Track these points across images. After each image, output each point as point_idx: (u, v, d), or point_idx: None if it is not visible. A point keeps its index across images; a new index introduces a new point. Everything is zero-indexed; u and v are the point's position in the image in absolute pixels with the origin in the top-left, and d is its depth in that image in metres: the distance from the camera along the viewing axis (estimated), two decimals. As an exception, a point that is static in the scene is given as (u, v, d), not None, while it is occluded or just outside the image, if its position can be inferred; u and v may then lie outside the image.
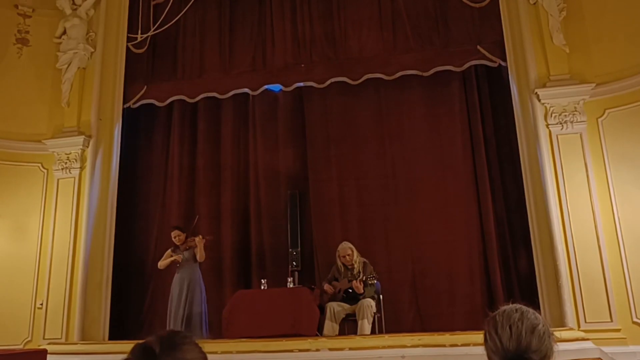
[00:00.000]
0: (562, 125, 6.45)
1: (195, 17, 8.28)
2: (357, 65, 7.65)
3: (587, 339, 5.27)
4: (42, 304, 7.15)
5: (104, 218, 7.51)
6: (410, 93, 7.90)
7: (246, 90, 8.01)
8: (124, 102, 8.01)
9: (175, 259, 6.86)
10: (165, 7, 8.07)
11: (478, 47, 7.25)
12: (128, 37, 8.15)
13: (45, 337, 6.95)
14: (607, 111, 6.48)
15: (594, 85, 6.45)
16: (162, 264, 6.98)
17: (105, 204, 7.56)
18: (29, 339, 7.13)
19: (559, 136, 6.44)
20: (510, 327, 1.52)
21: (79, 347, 6.55)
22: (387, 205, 7.67)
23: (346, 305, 6.43)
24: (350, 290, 6.39)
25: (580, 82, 6.51)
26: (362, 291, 6.32)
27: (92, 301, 7.18)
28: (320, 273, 7.41)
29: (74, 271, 7.19)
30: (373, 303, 6.32)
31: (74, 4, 8.04)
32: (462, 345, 5.20)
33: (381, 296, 6.56)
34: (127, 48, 8.13)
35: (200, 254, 6.83)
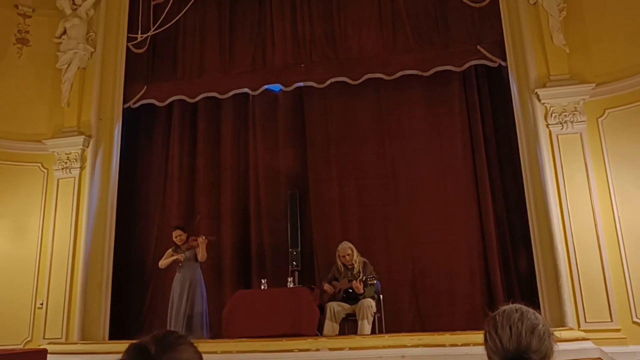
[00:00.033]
0: (562, 125, 6.45)
1: (195, 17, 8.28)
2: (357, 65, 7.65)
3: (587, 339, 5.27)
4: (42, 304, 7.15)
5: (104, 218, 7.51)
6: (410, 93, 7.90)
7: (246, 90, 8.01)
8: (124, 102, 8.02)
9: (177, 258, 6.86)
10: (165, 7, 8.07)
11: (478, 47, 7.25)
12: (128, 37, 8.15)
13: (46, 337, 6.95)
14: (607, 111, 6.48)
15: (594, 85, 6.45)
16: (163, 263, 6.98)
17: (105, 204, 7.56)
18: (29, 338, 7.14)
19: (559, 136, 6.44)
20: (510, 327, 1.53)
21: (79, 347, 6.56)
22: (387, 205, 7.67)
23: (346, 305, 6.43)
24: (351, 290, 6.39)
25: (580, 82, 6.51)
26: (362, 291, 6.32)
27: (92, 301, 7.19)
28: (320, 273, 7.42)
29: (74, 271, 7.19)
30: (373, 303, 6.32)
31: (74, 4, 8.05)
32: (462, 345, 5.19)
33: (381, 296, 6.55)
34: (127, 48, 8.13)
35: (202, 254, 6.84)
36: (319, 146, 8.06)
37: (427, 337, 5.57)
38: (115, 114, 7.90)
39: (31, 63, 8.02)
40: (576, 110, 6.45)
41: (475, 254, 7.28)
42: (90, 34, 8.05)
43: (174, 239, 6.97)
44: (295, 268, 7.40)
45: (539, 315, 1.58)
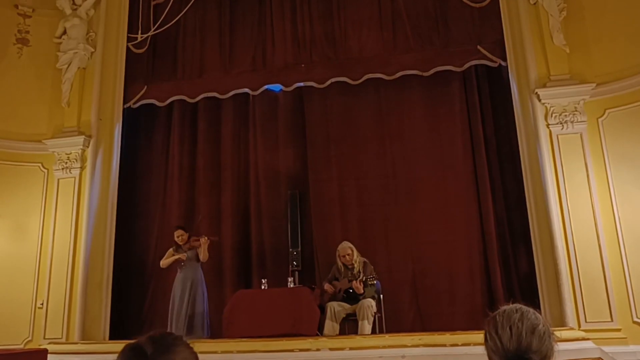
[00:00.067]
0: (563, 125, 6.45)
1: (195, 17, 8.28)
2: (357, 65, 7.65)
3: (588, 339, 5.27)
4: (42, 304, 7.16)
5: (105, 218, 7.51)
6: (410, 93, 7.90)
7: (246, 90, 8.01)
8: (124, 102, 8.02)
9: (179, 258, 6.87)
10: (166, 7, 8.07)
11: (478, 47, 7.25)
12: (128, 37, 8.15)
13: (46, 337, 6.96)
14: (607, 111, 6.48)
15: (594, 85, 6.45)
16: (164, 262, 6.98)
17: (105, 204, 7.56)
18: (30, 338, 7.14)
19: (559, 136, 6.44)
20: (510, 328, 1.53)
21: (80, 346, 6.56)
22: (387, 205, 7.67)
23: (346, 305, 6.43)
24: (351, 290, 6.39)
25: (581, 82, 6.51)
26: (362, 291, 6.32)
27: (92, 301, 7.19)
28: (320, 273, 7.42)
29: (74, 271, 7.19)
30: (373, 303, 6.32)
31: (74, 4, 8.05)
32: (463, 344, 5.19)
33: (381, 296, 6.55)
34: (127, 48, 8.13)
35: (203, 255, 6.85)
36: (319, 146, 8.06)
37: (427, 337, 5.57)
38: (115, 114, 7.90)
39: (31, 63, 8.02)
40: (576, 110, 6.45)
41: (476, 253, 7.28)
42: (91, 34, 8.05)
43: (176, 238, 6.98)
44: (296, 268, 7.40)
45: (539, 315, 1.58)
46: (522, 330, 1.52)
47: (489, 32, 7.27)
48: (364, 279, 6.35)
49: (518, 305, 1.60)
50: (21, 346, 7.01)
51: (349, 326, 6.50)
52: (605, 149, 6.37)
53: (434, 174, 7.63)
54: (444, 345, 5.35)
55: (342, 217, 7.77)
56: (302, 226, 7.73)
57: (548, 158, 6.42)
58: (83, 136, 7.59)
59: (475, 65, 7.54)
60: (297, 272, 7.34)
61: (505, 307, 1.61)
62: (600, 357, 5.03)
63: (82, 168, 7.55)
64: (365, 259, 6.60)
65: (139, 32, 8.10)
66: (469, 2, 7.31)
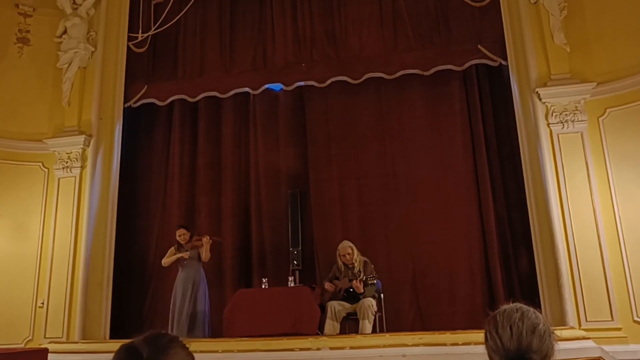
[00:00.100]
0: (563, 125, 6.45)
1: (195, 16, 8.28)
2: (358, 64, 7.65)
3: (588, 338, 5.27)
4: (43, 303, 7.16)
5: (105, 217, 7.52)
6: (411, 92, 7.89)
7: (247, 89, 8.01)
8: (125, 101, 8.02)
9: (182, 256, 6.86)
10: (166, 6, 8.06)
11: (479, 46, 7.24)
12: (129, 36, 8.15)
13: (46, 336, 6.96)
14: (608, 110, 6.48)
15: (594, 84, 6.45)
16: (166, 261, 6.98)
17: (106, 203, 7.57)
18: (30, 338, 7.14)
19: (559, 135, 6.44)
20: (510, 327, 1.52)
21: (80, 346, 6.56)
22: (388, 205, 7.66)
23: (347, 305, 6.43)
24: (351, 290, 6.39)
25: (581, 81, 6.50)
26: (362, 291, 6.32)
27: (93, 300, 7.19)
28: (321, 272, 7.42)
29: (74, 270, 7.20)
30: (374, 302, 6.32)
31: (74, 3, 8.05)
32: (463, 344, 5.19)
33: (382, 295, 6.55)
34: (128, 47, 8.13)
35: (205, 254, 6.86)
36: (319, 145, 8.06)
37: (427, 336, 5.57)
38: (115, 113, 7.91)
39: (32, 62, 8.02)
40: (577, 110, 6.44)
41: (476, 253, 7.27)
42: (91, 33, 8.06)
43: (178, 237, 6.98)
44: (296, 267, 7.40)
45: (539, 314, 1.58)
46: (523, 330, 1.51)
47: (489, 31, 7.27)
48: (364, 279, 6.35)
49: (518, 305, 1.60)
50: (22, 345, 7.01)
51: (349, 325, 6.50)
52: (606, 148, 6.37)
53: (434, 173, 7.62)
54: (445, 345, 5.35)
55: (343, 217, 7.77)
56: (302, 225, 7.73)
57: (549, 157, 6.42)
58: (83, 135, 7.60)
59: (476, 65, 7.53)
60: (297, 272, 7.34)
61: (506, 306, 1.60)
62: (600, 357, 5.02)
63: (82, 167, 7.55)
64: (365, 258, 6.60)
65: (140, 31, 8.10)
66: (469, 2, 7.31)
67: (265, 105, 8.37)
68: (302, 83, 7.92)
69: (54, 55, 7.98)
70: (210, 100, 8.30)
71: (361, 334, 6.06)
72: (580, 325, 5.85)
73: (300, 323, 6.09)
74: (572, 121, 6.43)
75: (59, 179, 7.57)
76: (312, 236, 7.77)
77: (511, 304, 1.61)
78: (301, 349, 5.56)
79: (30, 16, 8.04)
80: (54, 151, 7.62)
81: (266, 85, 8.02)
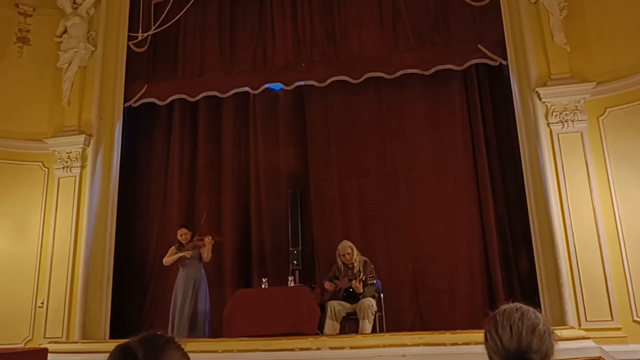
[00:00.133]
0: (563, 124, 6.45)
1: (195, 16, 8.28)
2: (358, 64, 7.64)
3: (588, 338, 5.26)
4: (42, 303, 7.16)
5: (105, 217, 7.52)
6: (411, 92, 7.89)
7: (247, 89, 8.01)
8: (125, 101, 8.02)
9: (184, 255, 6.86)
10: (166, 6, 8.06)
11: (479, 45, 7.24)
12: (129, 36, 8.15)
13: (46, 336, 6.96)
14: (607, 110, 6.48)
15: (594, 84, 6.45)
16: (167, 260, 6.97)
17: (106, 203, 7.57)
18: (30, 337, 7.14)
19: (559, 135, 6.44)
20: (510, 327, 1.52)
21: (80, 346, 6.56)
22: (388, 204, 7.66)
23: (347, 304, 6.42)
24: (351, 289, 6.39)
25: (581, 81, 6.50)
26: (362, 291, 6.31)
27: (92, 300, 7.19)
28: (321, 272, 7.41)
29: (74, 270, 7.19)
30: (374, 302, 6.32)
31: (74, 2, 8.05)
32: (463, 344, 5.19)
33: (382, 295, 6.55)
34: (128, 47, 8.14)
35: (207, 255, 6.87)
36: (319, 145, 8.05)
37: (427, 336, 5.57)
38: (115, 113, 7.91)
39: (32, 62, 8.02)
40: (577, 109, 6.44)
41: (476, 252, 7.27)
42: (91, 32, 8.06)
43: (179, 237, 6.98)
44: (296, 267, 7.40)
45: (539, 314, 1.58)
46: (523, 330, 1.51)
47: (489, 31, 7.27)
48: (363, 279, 6.34)
49: (518, 305, 1.60)
50: (21, 345, 7.01)
51: (349, 325, 6.49)
52: (606, 148, 6.37)
53: (434, 172, 7.62)
54: (445, 345, 5.35)
55: (343, 216, 7.76)
56: (302, 225, 7.73)
57: (548, 157, 6.42)
58: (83, 135, 7.60)
59: (476, 64, 7.53)
60: (297, 271, 7.33)
61: (506, 306, 1.60)
62: (600, 357, 5.02)
63: (82, 167, 7.55)
64: (365, 258, 6.60)
65: (140, 31, 8.10)
66: (469, 1, 7.31)
67: (265, 105, 8.36)
68: (302, 83, 7.92)
69: (54, 54, 7.98)
70: (210, 100, 8.30)
71: (361, 333, 6.05)
72: (580, 325, 5.85)
73: (300, 323, 6.09)
74: (572, 121, 6.43)
75: (58, 178, 7.57)
76: (312, 236, 7.77)
77: (511, 304, 1.61)
78: (301, 349, 5.56)
79: (30, 16, 8.04)
80: (54, 151, 7.62)
81: (266, 85, 8.02)
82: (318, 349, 5.54)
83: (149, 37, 8.14)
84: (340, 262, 6.59)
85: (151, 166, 8.51)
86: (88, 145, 7.63)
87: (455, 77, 7.71)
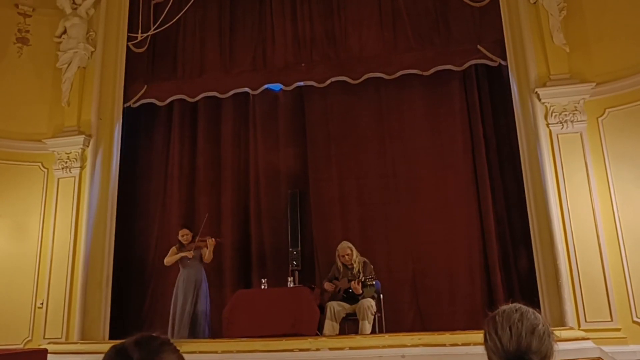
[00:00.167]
0: (563, 125, 6.45)
1: (195, 16, 8.28)
2: (358, 64, 7.65)
3: (588, 339, 5.26)
4: (42, 304, 7.15)
5: (105, 217, 7.51)
6: (410, 92, 7.90)
7: (246, 89, 8.01)
8: (124, 101, 8.02)
9: (186, 255, 6.85)
10: (166, 6, 8.06)
11: (478, 46, 7.25)
12: (128, 36, 8.15)
13: (46, 337, 6.95)
14: (607, 110, 6.48)
15: (594, 84, 6.45)
16: (169, 260, 6.96)
17: (105, 204, 7.56)
18: (29, 338, 7.14)
19: (559, 135, 6.44)
20: (510, 328, 1.52)
21: (79, 346, 6.55)
22: (388, 205, 7.66)
23: (346, 305, 6.42)
24: (351, 290, 6.39)
25: (581, 82, 6.50)
26: (361, 292, 6.31)
27: (92, 301, 7.19)
28: (320, 272, 7.41)
29: (74, 270, 7.19)
30: (373, 303, 6.32)
31: (74, 3, 8.05)
32: (463, 344, 5.19)
33: (381, 295, 6.55)
34: (128, 47, 8.13)
35: (208, 256, 6.87)
36: (319, 145, 8.05)
37: (427, 337, 5.57)
38: (115, 114, 7.90)
39: (31, 62, 8.02)
40: (576, 110, 6.44)
41: (476, 253, 7.27)
42: (91, 33, 8.05)
43: (180, 237, 6.97)
44: (296, 267, 7.39)
45: (538, 315, 1.58)
46: (522, 331, 1.51)
47: (489, 31, 7.27)
48: (362, 280, 6.34)
49: (518, 305, 1.60)
50: (21, 346, 7.01)
51: (348, 326, 6.50)
52: (605, 149, 6.37)
53: (434, 173, 7.62)
54: (444, 345, 5.34)
55: (343, 217, 7.77)
56: (302, 226, 7.73)
57: (548, 157, 6.42)
58: (83, 135, 7.59)
59: (476, 65, 7.53)
60: (297, 272, 7.33)
61: (505, 307, 1.60)
62: (600, 357, 5.02)
63: (82, 167, 7.55)
64: (365, 259, 6.60)
65: (139, 31, 8.10)
66: (469, 2, 7.31)
67: (265, 105, 8.36)
68: (301, 83, 7.92)
69: (54, 55, 7.98)
70: (209, 100, 8.30)
71: (360, 334, 6.05)
72: (579, 326, 5.85)
73: (299, 323, 6.09)
74: (572, 121, 6.43)
75: (58, 179, 7.56)
76: (312, 236, 7.77)
77: (510, 305, 1.61)
78: (300, 350, 5.56)
79: (30, 16, 8.05)
80: (54, 151, 7.62)
81: (266, 85, 8.02)
82: (317, 349, 5.54)
83: (149, 37, 8.14)
84: (339, 263, 6.59)
85: (151, 166, 8.51)
86: (87, 146, 7.63)
87: (454, 78, 7.72)
